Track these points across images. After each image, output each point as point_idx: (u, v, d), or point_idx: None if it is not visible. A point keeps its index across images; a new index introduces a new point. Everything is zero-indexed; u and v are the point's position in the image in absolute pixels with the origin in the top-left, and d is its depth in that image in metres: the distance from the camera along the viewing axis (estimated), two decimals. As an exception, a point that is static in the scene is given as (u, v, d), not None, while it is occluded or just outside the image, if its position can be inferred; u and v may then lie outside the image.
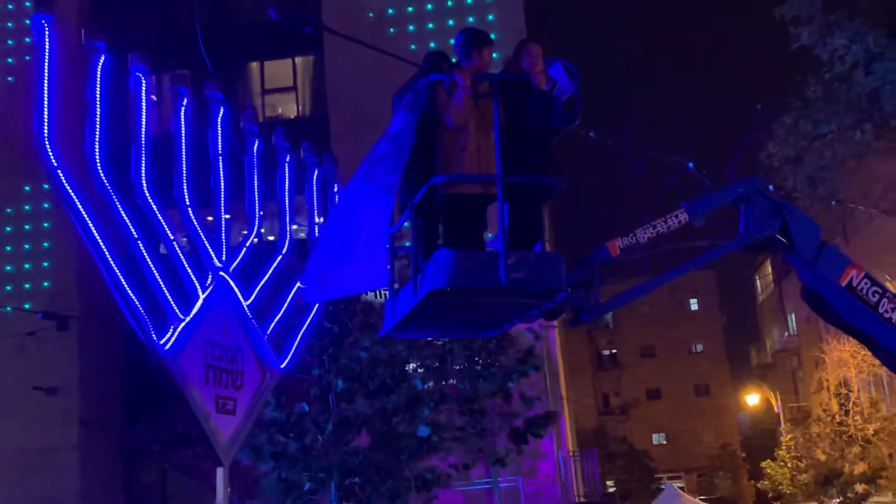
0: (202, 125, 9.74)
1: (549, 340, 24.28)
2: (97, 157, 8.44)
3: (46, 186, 24.87)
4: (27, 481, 26.59)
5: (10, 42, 29.69)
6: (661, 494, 36.38)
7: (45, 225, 29.08)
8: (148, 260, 8.84)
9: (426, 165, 6.98)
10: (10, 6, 29.77)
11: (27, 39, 27.38)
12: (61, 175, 8.25)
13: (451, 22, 28.43)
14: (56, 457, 27.36)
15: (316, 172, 11.29)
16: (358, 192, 7.10)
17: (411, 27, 29.26)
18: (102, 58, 8.43)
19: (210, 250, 9.64)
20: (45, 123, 8.08)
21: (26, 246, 29.20)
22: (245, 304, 9.80)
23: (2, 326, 27.25)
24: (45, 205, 28.75)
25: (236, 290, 9.78)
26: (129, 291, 8.52)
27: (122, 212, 8.71)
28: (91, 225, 8.39)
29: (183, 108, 9.40)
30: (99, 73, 8.43)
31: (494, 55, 7.53)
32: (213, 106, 9.84)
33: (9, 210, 29.23)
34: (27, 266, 29.00)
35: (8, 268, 29.11)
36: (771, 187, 8.23)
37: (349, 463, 16.11)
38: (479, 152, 6.97)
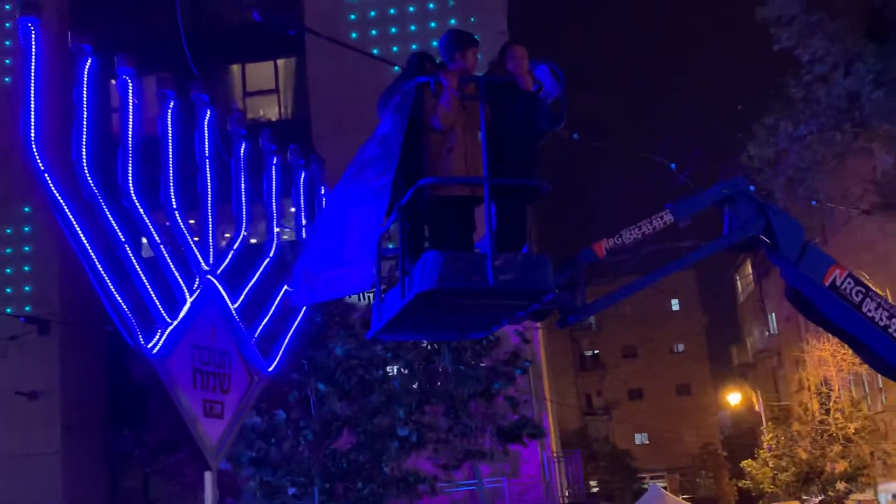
0: (188, 128, 9.72)
1: (534, 342, 24.34)
2: (84, 160, 8.43)
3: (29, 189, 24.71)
4: (9, 486, 26.41)
5: (7, 43, 29.44)
6: (646, 494, 36.49)
7: (27, 229, 28.92)
8: (135, 263, 8.83)
9: (413, 167, 6.99)
10: (6, 6, 29.53)
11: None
12: (48, 178, 8.23)
13: (433, 24, 28.47)
14: (38, 461, 27.20)
15: (303, 175, 11.29)
16: (347, 195, 7.10)
17: (393, 29, 29.29)
18: (89, 61, 8.42)
19: (197, 253, 9.63)
20: (32, 127, 8.06)
21: (8, 250, 29.04)
22: (232, 307, 9.80)
23: (-17, 331, 27.11)
24: (26, 209, 28.60)
25: (223, 293, 9.77)
26: (117, 295, 8.51)
27: (110, 215, 8.69)
28: (78, 229, 8.38)
29: (169, 111, 9.39)
30: (85, 76, 8.41)
31: (479, 56, 7.55)
32: (200, 109, 9.82)
33: (-11, 214, 29.07)
34: (8, 270, 28.84)
35: (-11, 272, 28.95)
36: (752, 188, 8.29)
37: (330, 466, 16.10)
38: (465, 154, 6.97)
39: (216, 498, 9.19)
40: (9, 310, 27.46)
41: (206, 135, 9.86)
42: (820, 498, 34.19)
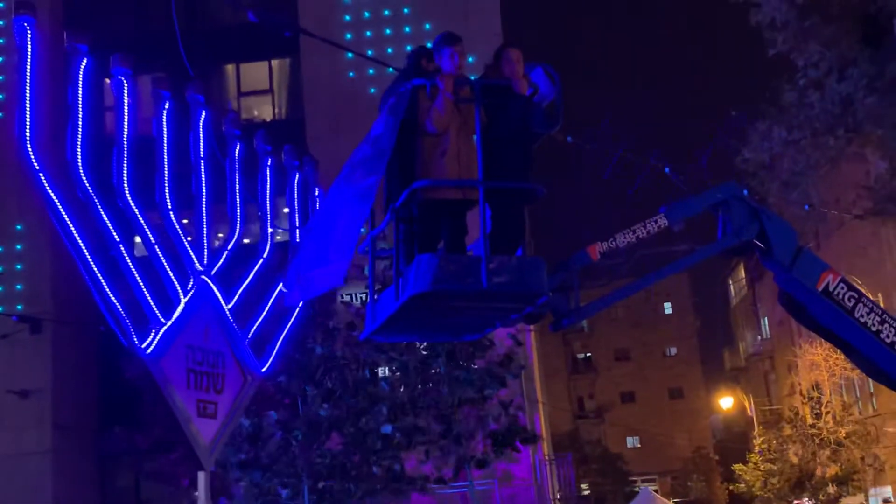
0: (183, 128, 9.73)
1: (526, 344, 24.35)
2: (79, 159, 8.43)
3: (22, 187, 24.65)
4: (0, 485, 26.35)
5: (1, 41, 29.34)
6: (637, 497, 36.61)
7: (18, 227, 28.83)
8: (129, 263, 8.83)
9: (408, 169, 7.00)
10: (1, 5, 29.43)
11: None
12: (42, 178, 8.23)
13: (427, 26, 28.49)
14: (30, 461, 27.14)
15: (297, 176, 11.30)
16: (338, 195, 7.10)
17: (388, 30, 29.30)
18: (84, 60, 8.42)
19: (191, 253, 9.63)
20: (28, 126, 8.06)
21: (-1, 248, 28.99)
22: (226, 307, 9.80)
23: (-25, 329, 27.05)
24: (18, 207, 28.49)
25: (218, 293, 9.77)
26: (111, 295, 8.50)
27: (104, 215, 8.69)
28: (73, 228, 8.38)
29: (164, 112, 9.39)
30: (81, 75, 8.41)
31: (471, 59, 7.55)
32: (195, 109, 9.83)
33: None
34: (0, 269, 28.75)
35: (-19, 271, 28.87)
36: (746, 192, 8.32)
37: (319, 466, 16.11)
38: (458, 157, 6.97)
39: (209, 498, 9.19)
40: (0, 308, 27.39)
41: (201, 135, 9.86)
42: (811, 502, 34.29)
